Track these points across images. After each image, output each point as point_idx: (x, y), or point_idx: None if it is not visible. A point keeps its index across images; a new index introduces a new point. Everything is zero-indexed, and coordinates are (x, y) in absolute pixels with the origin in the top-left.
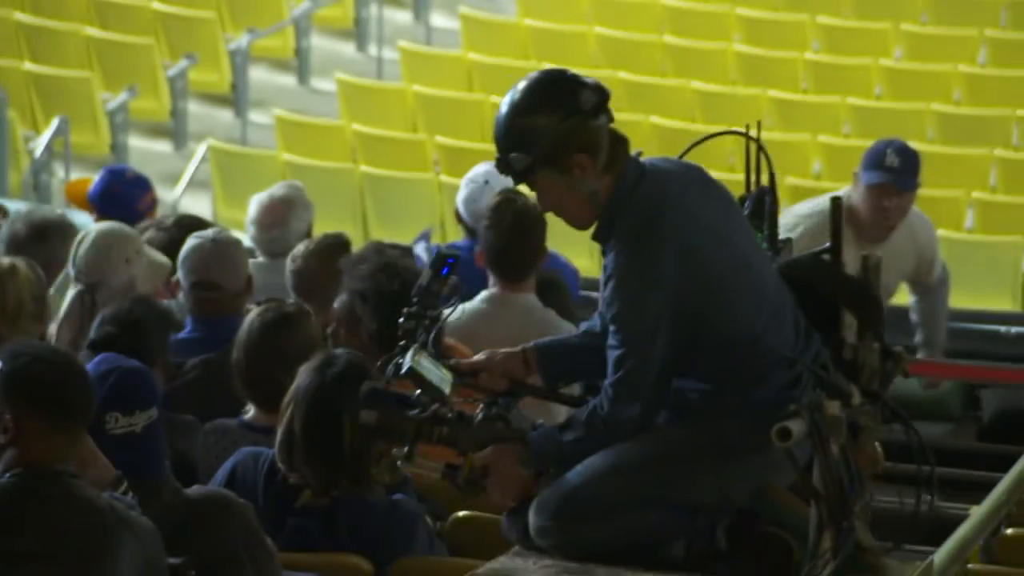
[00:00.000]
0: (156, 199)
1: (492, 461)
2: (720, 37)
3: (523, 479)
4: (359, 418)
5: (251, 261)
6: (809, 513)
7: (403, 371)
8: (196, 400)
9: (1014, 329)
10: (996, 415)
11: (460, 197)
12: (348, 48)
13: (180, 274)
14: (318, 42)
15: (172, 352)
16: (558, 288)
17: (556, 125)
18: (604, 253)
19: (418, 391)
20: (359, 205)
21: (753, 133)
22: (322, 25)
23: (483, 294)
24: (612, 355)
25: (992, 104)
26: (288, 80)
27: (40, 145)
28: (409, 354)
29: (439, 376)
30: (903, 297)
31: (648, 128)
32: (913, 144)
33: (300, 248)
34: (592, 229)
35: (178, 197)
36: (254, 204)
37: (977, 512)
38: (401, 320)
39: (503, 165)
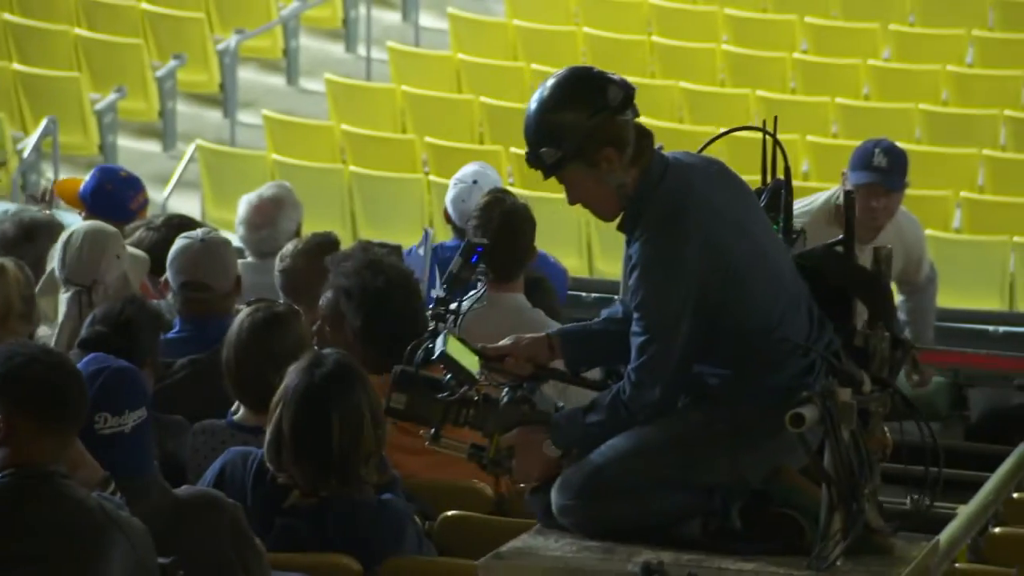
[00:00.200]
0: (148, 199)
1: (517, 442)
2: (708, 37)
3: (547, 460)
4: (388, 401)
5: (240, 261)
6: (820, 495)
7: (435, 355)
8: (185, 400)
9: (1002, 328)
10: (984, 414)
11: (448, 197)
12: (336, 48)
13: (169, 274)
14: (306, 42)
15: (161, 352)
16: (544, 288)
17: (585, 121)
18: (628, 244)
19: (448, 375)
20: (348, 205)
21: (770, 129)
22: (310, 25)
23: (471, 293)
24: (635, 341)
25: (980, 104)
26: (277, 80)
27: (29, 146)
28: (440, 339)
29: (468, 360)
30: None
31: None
32: (901, 144)
33: (289, 247)
34: (618, 220)
35: (167, 197)
36: (243, 204)
37: (965, 511)
38: (431, 307)
39: (533, 159)
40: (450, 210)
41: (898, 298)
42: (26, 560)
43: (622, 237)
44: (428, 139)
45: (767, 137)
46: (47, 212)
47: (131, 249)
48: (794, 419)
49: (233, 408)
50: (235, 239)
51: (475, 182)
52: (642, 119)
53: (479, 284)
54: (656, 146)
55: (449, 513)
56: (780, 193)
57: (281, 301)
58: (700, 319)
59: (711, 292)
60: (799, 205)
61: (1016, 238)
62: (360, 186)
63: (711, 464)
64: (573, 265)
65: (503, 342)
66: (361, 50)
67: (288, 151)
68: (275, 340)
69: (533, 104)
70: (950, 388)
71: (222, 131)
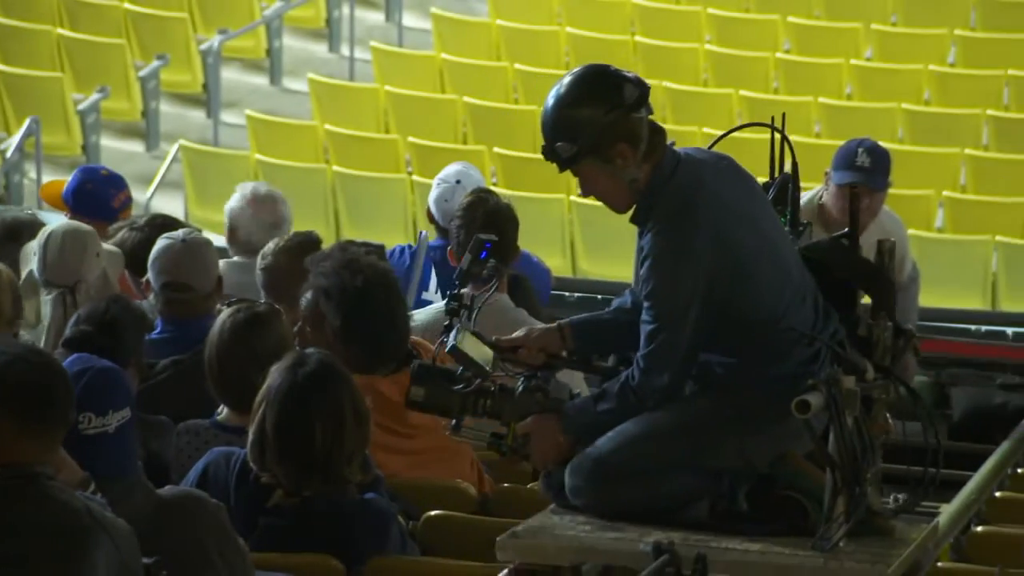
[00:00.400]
0: (131, 197)
1: (533, 430)
2: (691, 37)
3: (562, 445)
4: (408, 394)
5: (225, 261)
6: (824, 479)
7: (447, 349)
8: (168, 400)
9: (984, 327)
10: (966, 413)
11: (432, 197)
12: (320, 48)
13: (151, 274)
14: (290, 42)
15: (144, 352)
16: (524, 288)
17: (600, 117)
18: (640, 236)
19: (461, 368)
20: (331, 205)
21: (778, 126)
22: (294, 25)
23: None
24: (645, 329)
25: (962, 103)
26: (260, 80)
27: (11, 146)
28: (452, 333)
29: (481, 353)
30: None
31: None
32: (883, 143)
33: (270, 246)
34: (631, 212)
35: (150, 197)
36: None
37: (948, 510)
38: (445, 302)
39: (549, 153)
40: (433, 210)
41: None
42: (10, 561)
43: (605, 237)
44: (411, 139)
45: (775, 133)
46: (30, 212)
47: (106, 245)
48: (800, 406)
49: (217, 408)
50: (217, 240)
51: (458, 182)
52: None
53: (493, 280)
54: (669, 142)
55: (432, 513)
56: (787, 187)
57: (263, 300)
58: (708, 309)
59: (719, 284)
60: None
61: (998, 237)
62: (343, 186)
63: (719, 449)
64: (556, 265)
65: (516, 334)
66: (344, 50)
67: (271, 151)
68: (257, 340)
69: (551, 100)
70: (932, 387)
71: (205, 131)
